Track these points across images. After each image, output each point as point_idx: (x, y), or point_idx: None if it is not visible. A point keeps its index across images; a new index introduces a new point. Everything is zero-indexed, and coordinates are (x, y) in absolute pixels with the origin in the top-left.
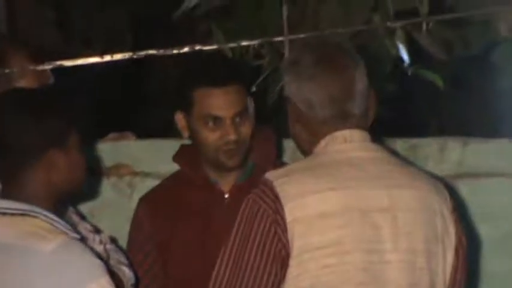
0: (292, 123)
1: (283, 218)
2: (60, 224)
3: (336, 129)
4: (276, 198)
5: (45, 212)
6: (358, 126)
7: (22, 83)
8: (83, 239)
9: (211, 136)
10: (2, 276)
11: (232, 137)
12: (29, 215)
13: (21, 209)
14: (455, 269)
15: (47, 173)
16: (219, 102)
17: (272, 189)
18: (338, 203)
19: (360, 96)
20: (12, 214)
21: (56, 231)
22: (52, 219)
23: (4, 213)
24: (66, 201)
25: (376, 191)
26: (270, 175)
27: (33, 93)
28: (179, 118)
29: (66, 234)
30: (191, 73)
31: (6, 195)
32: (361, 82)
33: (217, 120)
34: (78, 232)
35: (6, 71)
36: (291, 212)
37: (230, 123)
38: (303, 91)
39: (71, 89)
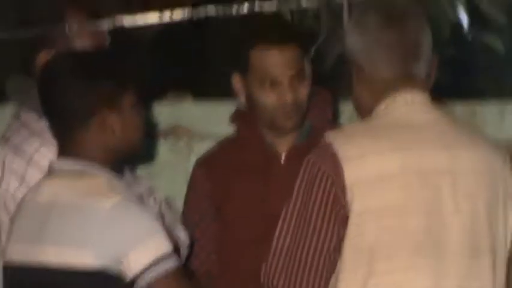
0: (354, 84)
1: (342, 179)
2: (118, 183)
3: (398, 91)
4: (335, 159)
5: (103, 170)
6: (419, 89)
7: (78, 43)
8: (140, 199)
9: (268, 98)
10: (63, 234)
11: (289, 98)
12: (87, 174)
13: (79, 168)
14: None
15: (100, 134)
16: (277, 63)
17: (331, 150)
18: (398, 165)
19: (424, 58)
20: (72, 174)
21: (115, 189)
22: (111, 178)
23: (64, 172)
24: (123, 161)
25: (436, 153)
26: (328, 136)
27: (85, 54)
28: (236, 80)
29: (125, 192)
30: (248, 33)
31: (64, 153)
32: (426, 45)
33: (274, 81)
34: (134, 189)
35: (62, 29)
36: (351, 173)
37: (288, 84)
38: (368, 51)
39: (125, 50)
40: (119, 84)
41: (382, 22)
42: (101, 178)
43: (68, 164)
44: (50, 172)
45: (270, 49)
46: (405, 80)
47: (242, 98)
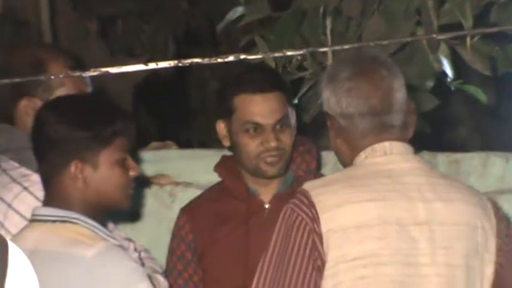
0: (332, 137)
1: (319, 228)
2: (101, 230)
3: (376, 142)
4: (313, 208)
5: (84, 219)
6: (398, 138)
7: (61, 92)
8: (122, 246)
9: (252, 143)
10: (45, 283)
11: (273, 143)
12: (69, 222)
13: (62, 216)
14: (494, 284)
15: (74, 185)
16: (261, 108)
17: (309, 199)
18: (375, 215)
19: (399, 108)
20: (53, 221)
21: (97, 237)
22: (92, 225)
23: (45, 221)
24: (108, 213)
25: (414, 204)
26: (306, 185)
27: (73, 103)
28: (220, 127)
29: (107, 240)
30: (233, 80)
31: (48, 200)
32: (399, 93)
33: (258, 127)
34: (116, 239)
35: (42, 77)
36: (327, 222)
37: (271, 130)
38: (341, 105)
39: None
40: (96, 138)
41: (353, 75)
42: (82, 226)
43: (50, 211)
44: (33, 219)
45: (255, 95)
46: (382, 129)
47: (226, 143)
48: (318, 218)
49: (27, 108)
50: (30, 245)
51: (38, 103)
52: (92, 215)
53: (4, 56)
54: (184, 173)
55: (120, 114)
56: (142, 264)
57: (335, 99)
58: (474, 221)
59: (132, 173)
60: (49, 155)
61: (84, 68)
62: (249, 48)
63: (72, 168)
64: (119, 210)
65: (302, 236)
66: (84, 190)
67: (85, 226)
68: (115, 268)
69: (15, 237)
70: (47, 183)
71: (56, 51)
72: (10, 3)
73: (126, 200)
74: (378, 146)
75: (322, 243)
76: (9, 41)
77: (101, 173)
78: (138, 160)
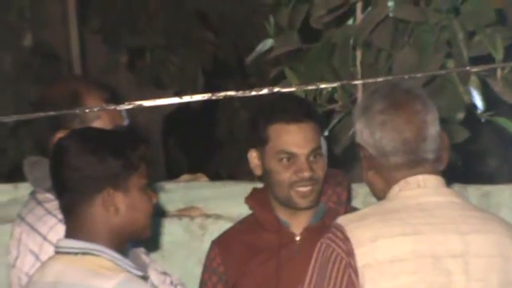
0: (365, 170)
1: (355, 262)
2: (123, 261)
3: (409, 175)
4: (348, 242)
5: (107, 250)
6: (431, 171)
7: (97, 124)
8: (146, 278)
9: (285, 172)
10: None
11: (306, 173)
12: (91, 254)
13: (83, 248)
14: None
15: (104, 213)
16: (295, 138)
17: (344, 234)
18: (409, 249)
19: (432, 141)
20: (76, 253)
21: (118, 269)
22: (114, 257)
23: (68, 253)
24: (136, 242)
25: (448, 236)
26: (341, 220)
27: (96, 132)
28: (252, 156)
29: (128, 271)
30: (267, 109)
31: (70, 232)
32: (433, 126)
33: (292, 156)
34: (144, 271)
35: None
36: (362, 256)
37: (304, 160)
38: (374, 138)
39: (136, 130)
40: (126, 164)
41: (386, 108)
42: (104, 258)
43: (72, 243)
44: (56, 251)
45: (289, 124)
46: (415, 163)
47: (258, 172)
48: (353, 252)
49: None
50: (51, 277)
51: None
52: (115, 246)
53: (36, 90)
54: (215, 205)
55: (141, 139)
56: None
57: (368, 132)
58: (508, 253)
59: (154, 200)
60: (75, 184)
61: (119, 101)
62: (278, 80)
63: (105, 196)
64: (140, 239)
65: (338, 270)
66: (113, 217)
67: (107, 258)
68: None
69: (39, 270)
70: (70, 213)
71: (92, 84)
72: (40, 36)
73: (149, 228)
74: (412, 180)
75: (358, 278)
76: (38, 74)
77: (130, 199)
78: (167, 192)
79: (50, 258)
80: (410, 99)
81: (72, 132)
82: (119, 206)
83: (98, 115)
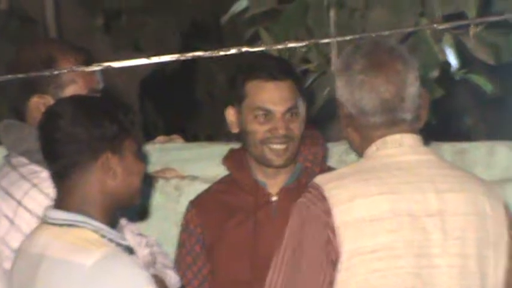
0: (344, 126)
1: (333, 222)
2: (110, 232)
3: (387, 134)
4: (326, 202)
5: (93, 222)
6: (409, 131)
7: (72, 89)
8: (130, 249)
9: (260, 129)
10: None
11: (281, 131)
12: (76, 226)
13: (69, 220)
14: (509, 272)
15: (101, 177)
16: (271, 95)
17: (321, 193)
18: (387, 208)
19: (411, 101)
20: (61, 225)
21: (101, 242)
22: (100, 228)
23: (54, 224)
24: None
25: (426, 195)
26: (318, 179)
27: (88, 99)
28: (230, 113)
29: (112, 244)
30: (246, 66)
31: (59, 202)
32: (412, 86)
33: (268, 113)
34: (125, 239)
35: (55, 72)
36: (340, 216)
37: (280, 117)
38: (354, 97)
39: (119, 95)
40: (121, 128)
41: (367, 65)
42: (89, 230)
43: (59, 214)
44: (43, 221)
45: (267, 82)
46: (393, 123)
47: (235, 130)
48: (331, 212)
49: (39, 105)
50: (38, 248)
51: (50, 100)
52: (106, 214)
53: (12, 53)
54: (190, 166)
55: (130, 105)
56: (154, 259)
57: (348, 91)
58: (486, 211)
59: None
60: (71, 151)
61: (88, 63)
62: (255, 41)
63: (104, 160)
64: (131, 206)
65: (316, 230)
66: (111, 182)
67: (92, 229)
68: (115, 275)
69: (27, 239)
70: (62, 182)
71: (67, 47)
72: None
73: (140, 194)
74: (389, 139)
75: (335, 237)
76: (14, 37)
77: (126, 163)
78: (144, 155)
79: (38, 228)
80: (391, 58)
81: (61, 100)
82: (116, 170)
83: (73, 79)
